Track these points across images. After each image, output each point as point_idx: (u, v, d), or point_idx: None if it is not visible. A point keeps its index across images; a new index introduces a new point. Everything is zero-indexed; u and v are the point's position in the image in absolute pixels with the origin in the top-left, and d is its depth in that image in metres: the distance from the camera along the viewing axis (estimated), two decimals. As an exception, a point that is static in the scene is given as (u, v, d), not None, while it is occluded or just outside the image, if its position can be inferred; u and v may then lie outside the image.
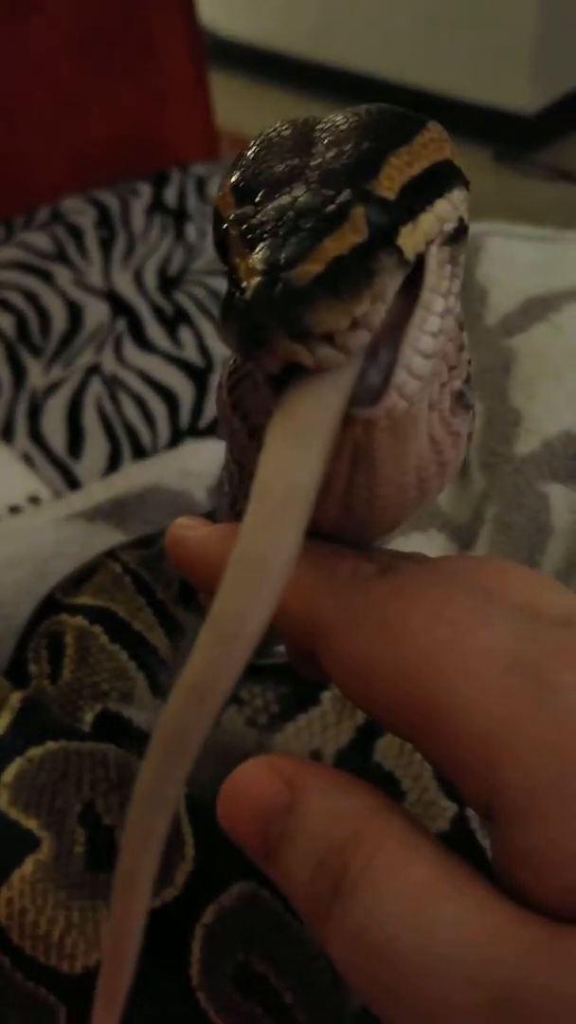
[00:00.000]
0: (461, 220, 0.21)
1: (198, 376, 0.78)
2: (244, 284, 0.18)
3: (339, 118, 0.21)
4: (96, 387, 0.78)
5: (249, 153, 0.21)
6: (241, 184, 0.20)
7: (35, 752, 0.35)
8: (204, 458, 0.63)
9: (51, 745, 0.36)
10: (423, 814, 0.41)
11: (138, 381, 0.78)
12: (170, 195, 0.98)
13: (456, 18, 2.17)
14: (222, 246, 0.20)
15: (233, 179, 0.20)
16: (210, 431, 0.75)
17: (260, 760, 0.22)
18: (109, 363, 0.80)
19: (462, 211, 0.21)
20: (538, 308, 0.63)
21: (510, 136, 2.20)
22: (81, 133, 1.02)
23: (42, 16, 0.95)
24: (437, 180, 0.21)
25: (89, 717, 0.41)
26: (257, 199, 0.19)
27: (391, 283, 0.18)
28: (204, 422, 0.75)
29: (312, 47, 2.48)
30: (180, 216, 0.95)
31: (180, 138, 1.07)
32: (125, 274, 0.89)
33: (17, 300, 0.86)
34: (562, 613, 0.22)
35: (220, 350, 0.80)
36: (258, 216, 0.19)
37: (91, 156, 1.03)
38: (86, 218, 0.95)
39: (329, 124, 0.21)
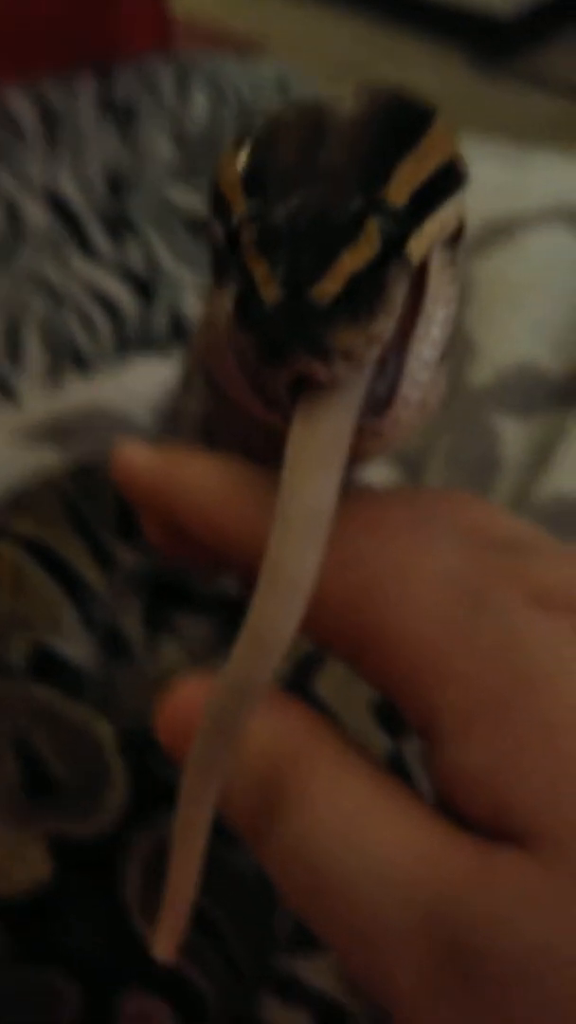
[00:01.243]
0: (460, 221, 0.22)
1: (145, 287, 0.76)
2: (262, 295, 0.18)
3: (349, 108, 0.21)
4: (35, 295, 0.75)
5: (256, 137, 0.21)
6: (250, 174, 0.20)
7: None
8: (148, 378, 0.61)
9: None
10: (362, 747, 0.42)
11: (80, 291, 0.76)
12: (118, 91, 0.93)
13: None
14: (232, 241, 0.20)
15: (241, 166, 0.21)
16: (158, 347, 0.73)
17: (194, 679, 0.23)
18: (50, 270, 0.77)
19: (462, 211, 0.22)
20: (499, 232, 0.61)
21: (486, 41, 2.13)
22: (22, 17, 0.96)
23: None
24: (442, 182, 0.21)
25: (22, 647, 0.41)
26: (267, 194, 0.20)
27: (400, 293, 0.19)
28: (151, 336, 0.73)
29: None
30: (129, 115, 0.91)
31: (130, 28, 1.01)
32: (69, 175, 0.85)
33: (-46, 199, 0.82)
34: (508, 537, 0.23)
35: (168, 262, 0.77)
36: (271, 218, 0.19)
37: (31, 40, 0.98)
38: (28, 113, 0.90)
39: (339, 115, 0.21)
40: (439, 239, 0.21)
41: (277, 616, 0.18)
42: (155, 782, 0.38)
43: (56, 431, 0.58)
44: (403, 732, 0.40)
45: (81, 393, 0.60)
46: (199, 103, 0.91)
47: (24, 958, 0.34)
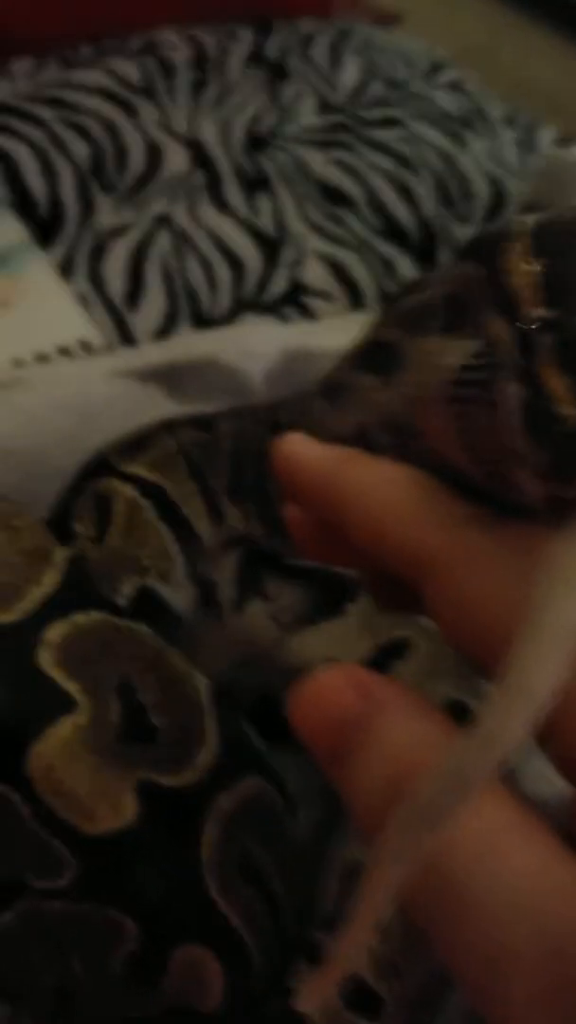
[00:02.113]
0: None
1: (270, 248, 0.76)
2: (561, 411, 0.19)
3: None
4: (163, 240, 0.76)
5: (555, 241, 0.21)
6: (549, 280, 0.20)
7: (80, 619, 0.36)
8: (266, 339, 0.61)
9: (95, 615, 0.37)
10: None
11: (207, 241, 0.76)
12: (272, 48, 0.93)
13: None
14: (524, 342, 0.20)
15: (540, 268, 0.20)
16: (271, 310, 0.73)
17: (340, 667, 0.23)
18: (181, 216, 0.77)
19: None
20: None
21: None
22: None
23: None
24: None
25: (127, 589, 0.42)
26: (568, 306, 0.19)
27: None
28: (268, 298, 0.74)
29: None
30: (279, 73, 0.90)
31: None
32: (212, 124, 0.85)
33: (97, 130, 0.82)
34: None
35: (296, 226, 0.78)
36: (573, 333, 0.19)
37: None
38: (180, 55, 0.90)
39: None
40: None
41: (512, 721, 0.18)
42: (241, 744, 0.38)
43: (170, 376, 0.58)
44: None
45: (198, 343, 0.61)
46: (350, 72, 0.91)
47: (95, 894, 0.35)
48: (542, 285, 0.20)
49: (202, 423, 0.49)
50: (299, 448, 0.26)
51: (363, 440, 0.27)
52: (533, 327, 0.20)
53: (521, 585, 0.21)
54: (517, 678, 0.18)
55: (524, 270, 0.21)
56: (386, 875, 0.19)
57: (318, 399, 0.32)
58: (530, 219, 0.22)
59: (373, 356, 0.28)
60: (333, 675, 0.22)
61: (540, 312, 0.20)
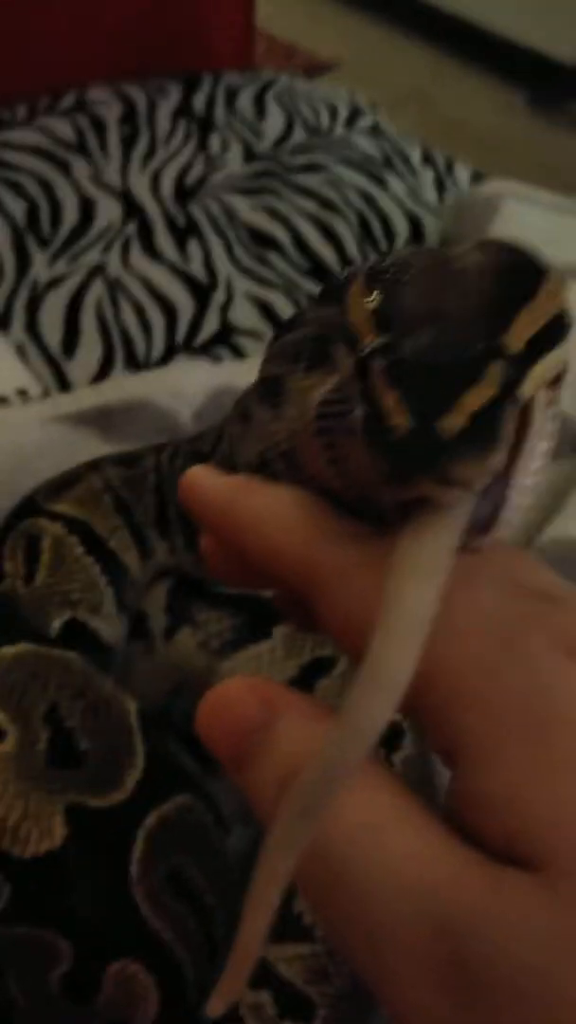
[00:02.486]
0: (564, 364, 0.23)
1: (201, 292, 0.79)
2: (392, 422, 0.20)
3: (471, 258, 0.23)
4: (98, 288, 0.78)
5: (385, 278, 0.23)
6: (381, 311, 0.22)
7: (7, 651, 0.38)
8: (194, 380, 0.64)
9: (23, 646, 0.38)
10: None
11: (140, 288, 0.79)
12: (199, 101, 0.96)
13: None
14: (361, 367, 0.22)
15: (373, 304, 0.23)
16: (204, 350, 0.76)
17: (242, 678, 0.24)
18: (114, 266, 0.80)
19: (566, 356, 0.23)
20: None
21: (547, 83, 2.15)
22: (114, 17, 1.00)
23: None
24: (553, 331, 0.23)
25: (57, 623, 0.43)
26: (398, 330, 0.22)
27: (511, 431, 0.21)
28: (200, 340, 0.76)
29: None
30: (206, 125, 0.94)
31: (216, 40, 1.05)
32: (142, 177, 0.88)
33: (31, 187, 0.85)
34: (542, 589, 0.24)
35: (225, 270, 0.81)
36: (402, 353, 0.21)
37: (122, 44, 1.01)
38: (111, 111, 0.94)
39: (462, 263, 0.23)
40: (545, 382, 0.23)
41: (373, 710, 0.19)
42: (167, 763, 0.40)
43: (103, 419, 0.60)
44: (395, 746, 0.43)
45: (130, 386, 0.63)
46: (273, 121, 0.94)
47: (27, 915, 0.36)
48: (373, 317, 0.23)
49: (127, 460, 0.51)
50: (200, 479, 0.27)
51: (266, 468, 0.29)
52: (367, 353, 0.22)
53: None
54: (375, 667, 0.20)
55: (360, 306, 0.23)
56: (275, 865, 0.21)
57: (233, 426, 0.34)
58: (370, 261, 0.25)
59: (266, 390, 0.30)
60: (235, 685, 0.24)
61: (372, 339, 0.22)
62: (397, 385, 0.21)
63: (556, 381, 0.23)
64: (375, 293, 0.23)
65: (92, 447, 0.58)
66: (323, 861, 0.21)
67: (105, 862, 0.37)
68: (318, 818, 0.20)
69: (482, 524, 0.22)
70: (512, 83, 2.20)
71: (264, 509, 0.25)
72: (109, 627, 0.46)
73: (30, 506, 0.48)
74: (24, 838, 0.36)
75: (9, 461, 0.57)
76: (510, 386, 0.21)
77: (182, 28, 1.03)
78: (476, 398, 0.20)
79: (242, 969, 0.22)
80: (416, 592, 0.20)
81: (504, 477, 0.22)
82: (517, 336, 0.22)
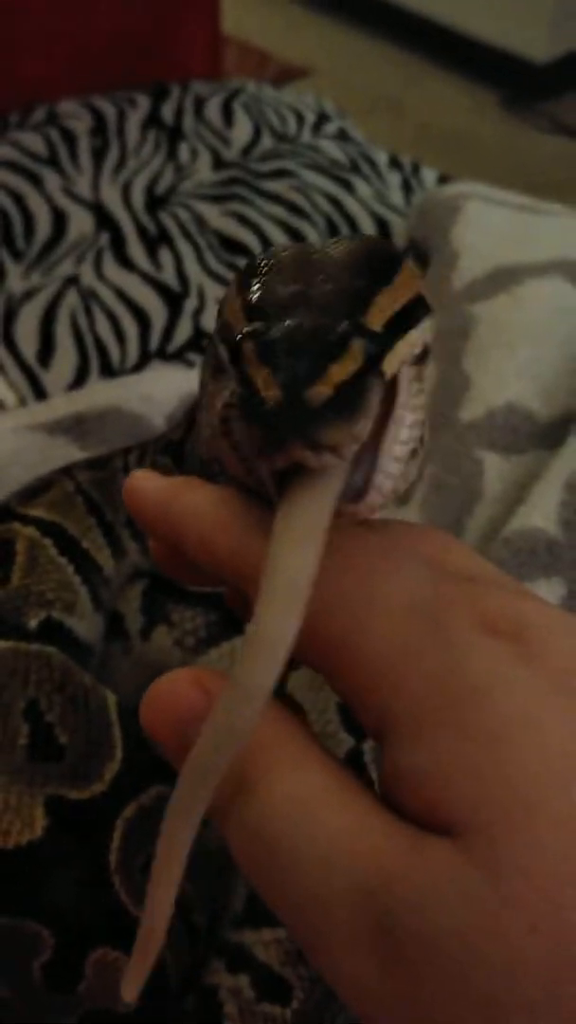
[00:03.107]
0: (426, 344, 0.25)
1: (173, 300, 0.80)
2: (265, 396, 0.22)
3: (334, 250, 0.26)
4: (72, 299, 0.79)
5: (256, 275, 0.25)
6: (252, 303, 0.24)
7: None
8: (166, 386, 0.65)
9: (2, 643, 0.39)
10: (325, 744, 0.46)
11: (113, 298, 0.80)
12: (167, 111, 0.98)
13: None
14: (235, 354, 0.24)
15: (244, 298, 0.25)
16: (177, 356, 0.77)
17: (182, 670, 0.25)
18: (87, 276, 0.81)
19: (427, 337, 0.25)
20: (504, 278, 0.65)
21: (520, 83, 2.17)
22: (83, 31, 1.01)
23: None
24: (410, 313, 0.25)
25: (34, 623, 0.45)
26: (267, 317, 0.23)
27: (377, 401, 0.22)
28: (173, 346, 0.77)
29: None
30: (175, 134, 0.95)
31: (184, 50, 1.06)
32: (113, 187, 0.89)
33: (4, 200, 0.86)
34: (464, 569, 0.25)
35: (196, 276, 0.82)
36: (270, 334, 0.23)
37: (92, 57, 1.02)
38: (81, 124, 0.95)
39: (326, 254, 0.25)
40: (408, 358, 0.24)
41: (258, 673, 0.21)
42: (145, 754, 0.41)
43: (76, 426, 0.61)
44: (364, 734, 0.44)
45: (103, 393, 0.64)
46: (241, 129, 0.96)
47: (9, 906, 0.37)
48: (245, 309, 0.25)
49: (97, 464, 0.52)
50: (141, 482, 0.28)
51: (208, 468, 0.30)
52: (239, 339, 0.24)
53: (321, 587, 0.23)
54: (258, 631, 0.21)
55: (235, 301, 0.25)
56: (175, 832, 0.22)
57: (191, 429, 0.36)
58: (246, 261, 0.26)
59: (200, 396, 0.32)
60: (175, 676, 0.25)
61: (244, 328, 0.24)
62: (267, 362, 0.22)
63: (421, 359, 0.25)
64: (246, 289, 0.25)
65: (66, 454, 0.59)
66: (257, 837, 0.22)
67: (84, 852, 0.38)
68: (213, 783, 0.21)
69: (356, 491, 0.23)
70: (485, 85, 2.23)
71: (196, 507, 0.27)
72: (85, 625, 0.47)
73: (4, 511, 0.49)
74: (5, 830, 0.37)
75: (-15, 470, 0.58)
76: (373, 360, 0.22)
77: (151, 41, 1.05)
78: (341, 370, 0.22)
79: (151, 943, 0.23)
80: (293, 557, 0.21)
81: (374, 446, 0.23)
82: (376, 316, 0.23)
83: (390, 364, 0.23)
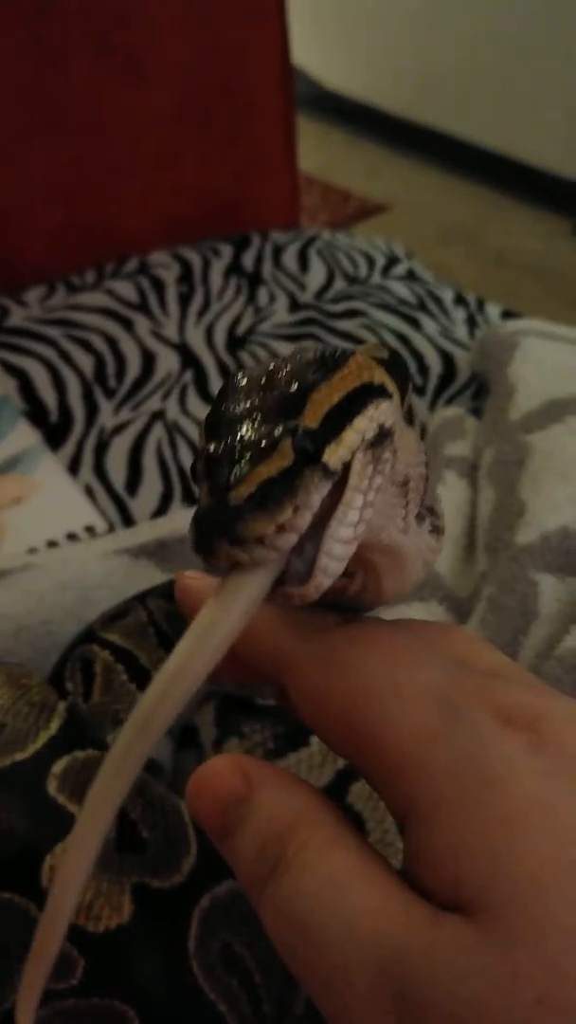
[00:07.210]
0: (381, 427, 0.26)
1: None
2: (200, 505, 0.24)
3: (288, 363, 0.26)
4: (158, 431, 0.86)
5: (221, 396, 0.26)
6: (211, 422, 0.26)
7: (79, 754, 0.43)
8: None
9: (91, 751, 0.43)
10: (382, 852, 0.48)
11: (196, 430, 0.86)
12: (248, 259, 1.06)
13: (550, 92, 2.24)
14: (193, 473, 0.25)
15: (206, 417, 0.26)
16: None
17: (225, 756, 0.27)
18: (173, 410, 0.88)
19: (382, 419, 0.26)
20: (558, 410, 0.69)
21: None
22: (175, 192, 1.11)
23: (152, 83, 1.04)
24: (356, 401, 0.25)
25: (110, 738, 0.48)
26: (216, 434, 0.25)
27: (316, 492, 0.23)
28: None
29: (411, 107, 2.57)
30: (255, 280, 1.03)
31: (265, 204, 1.15)
32: (198, 329, 0.97)
33: (99, 343, 0.95)
34: (490, 667, 0.27)
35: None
36: (214, 450, 0.24)
37: (182, 214, 1.12)
38: (170, 272, 1.04)
39: (279, 369, 0.26)
40: (357, 444, 0.25)
41: (134, 748, 0.24)
42: (217, 853, 0.44)
43: (159, 550, 0.67)
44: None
45: (181, 519, 0.70)
46: (315, 273, 1.03)
47: (102, 988, 0.39)
48: (204, 429, 0.26)
49: (169, 592, 0.56)
50: (190, 581, 0.31)
51: None
52: (192, 462, 0.26)
53: (351, 676, 0.26)
54: (139, 711, 0.24)
55: (202, 424, 0.27)
56: (84, 842, 0.25)
57: None
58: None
59: None
60: (218, 762, 0.27)
61: (200, 445, 0.26)
62: (207, 476, 0.24)
63: (378, 442, 0.26)
64: (210, 408, 0.26)
65: (149, 576, 0.64)
66: (287, 911, 0.24)
67: (168, 936, 0.40)
68: (129, 779, 0.24)
69: (302, 574, 0.24)
70: (557, 214, 2.32)
71: None
72: (155, 747, 0.51)
73: (88, 633, 0.54)
74: (96, 915, 0.40)
75: (76, 593, 0.64)
76: (307, 454, 0.24)
77: (234, 195, 1.15)
78: (267, 469, 0.23)
79: (40, 979, 0.25)
80: (189, 651, 0.24)
81: (321, 529, 0.24)
82: (312, 414, 0.24)
83: (335, 454, 0.24)
